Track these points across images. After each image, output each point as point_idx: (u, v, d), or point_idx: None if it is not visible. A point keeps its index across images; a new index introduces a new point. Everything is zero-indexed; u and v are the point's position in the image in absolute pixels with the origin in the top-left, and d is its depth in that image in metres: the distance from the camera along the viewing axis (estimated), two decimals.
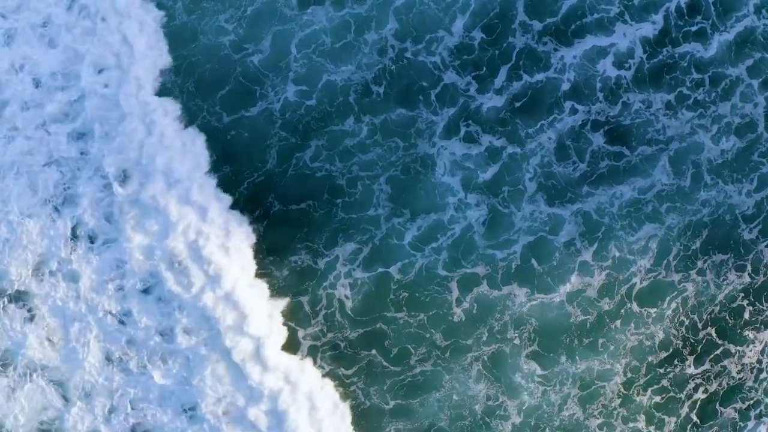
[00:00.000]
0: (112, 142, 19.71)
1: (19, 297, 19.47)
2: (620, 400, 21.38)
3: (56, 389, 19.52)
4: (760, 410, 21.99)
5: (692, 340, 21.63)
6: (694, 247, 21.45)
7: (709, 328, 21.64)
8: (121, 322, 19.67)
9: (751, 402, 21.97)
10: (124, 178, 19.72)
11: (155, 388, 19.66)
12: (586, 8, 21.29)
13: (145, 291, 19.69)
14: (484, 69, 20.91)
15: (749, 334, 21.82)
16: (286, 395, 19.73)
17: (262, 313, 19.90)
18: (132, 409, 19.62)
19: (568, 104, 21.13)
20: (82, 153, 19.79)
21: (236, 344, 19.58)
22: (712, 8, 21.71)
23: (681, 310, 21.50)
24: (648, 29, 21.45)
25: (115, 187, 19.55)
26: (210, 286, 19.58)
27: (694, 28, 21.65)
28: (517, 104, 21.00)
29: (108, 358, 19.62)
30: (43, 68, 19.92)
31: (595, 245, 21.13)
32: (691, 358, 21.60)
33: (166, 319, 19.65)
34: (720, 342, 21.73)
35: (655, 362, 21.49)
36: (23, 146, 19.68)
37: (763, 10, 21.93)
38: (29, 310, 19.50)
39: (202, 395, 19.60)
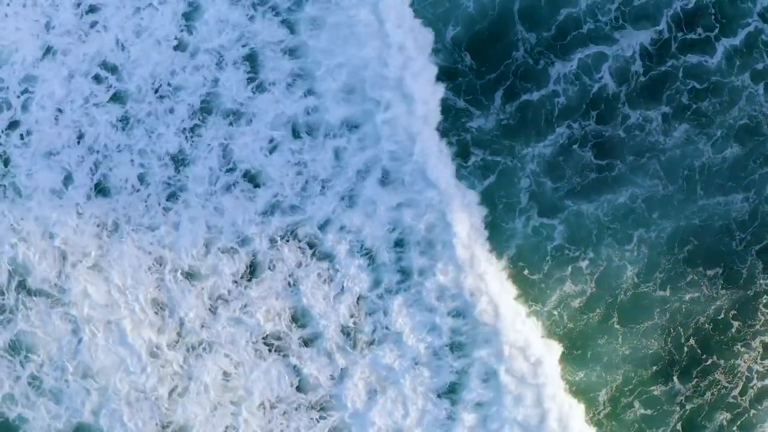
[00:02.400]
0: None
1: None
2: (607, 411, 21.35)
3: None
4: (747, 420, 22.00)
5: (680, 352, 21.64)
6: (684, 257, 21.40)
7: (692, 339, 21.66)
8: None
9: (739, 411, 22.01)
10: None
11: None
12: (581, 18, 20.98)
13: None
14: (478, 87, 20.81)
15: (738, 345, 21.84)
16: None
17: None
18: None
19: (563, 115, 21.06)
20: None
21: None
22: (713, 16, 21.41)
23: (670, 322, 21.46)
24: (646, 38, 21.13)
25: None
26: None
27: (694, 36, 21.34)
28: (510, 120, 20.91)
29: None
30: None
31: (588, 254, 21.11)
32: (677, 371, 21.69)
33: None
34: (706, 355, 21.76)
35: (644, 374, 21.47)
36: None
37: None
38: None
39: None
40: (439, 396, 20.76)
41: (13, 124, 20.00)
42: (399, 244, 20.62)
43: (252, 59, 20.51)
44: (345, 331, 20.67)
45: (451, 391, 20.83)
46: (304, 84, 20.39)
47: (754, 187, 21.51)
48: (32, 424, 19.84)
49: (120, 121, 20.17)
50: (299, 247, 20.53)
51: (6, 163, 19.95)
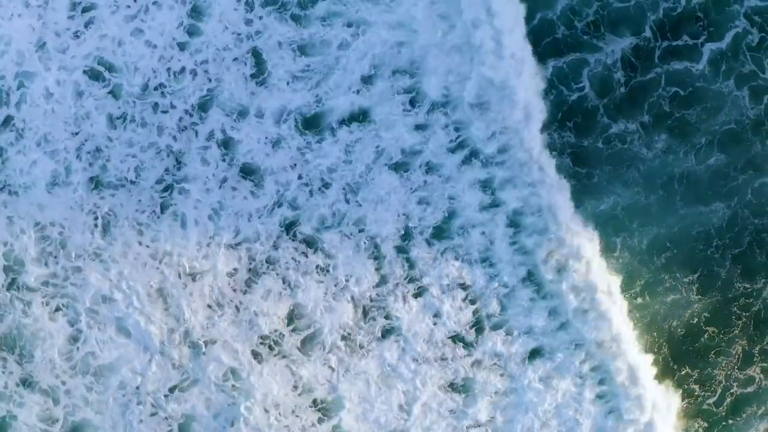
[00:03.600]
0: None
1: None
2: None
3: None
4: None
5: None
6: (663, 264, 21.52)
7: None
8: None
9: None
10: None
11: None
12: (556, 24, 20.81)
13: None
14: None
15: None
16: None
17: None
18: None
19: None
20: None
21: None
22: (698, 20, 21.06)
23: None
24: (627, 44, 20.89)
25: None
26: None
27: (679, 43, 21.05)
28: None
29: None
30: None
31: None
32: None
33: None
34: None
35: None
36: None
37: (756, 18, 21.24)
38: None
39: None
40: (452, 389, 21.35)
41: (8, 119, 20.10)
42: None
43: (258, 55, 20.52)
44: (346, 332, 21.01)
45: (461, 390, 21.39)
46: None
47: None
48: (26, 422, 20.30)
49: (118, 118, 20.28)
50: (296, 248, 20.80)
51: (1, 157, 20.16)
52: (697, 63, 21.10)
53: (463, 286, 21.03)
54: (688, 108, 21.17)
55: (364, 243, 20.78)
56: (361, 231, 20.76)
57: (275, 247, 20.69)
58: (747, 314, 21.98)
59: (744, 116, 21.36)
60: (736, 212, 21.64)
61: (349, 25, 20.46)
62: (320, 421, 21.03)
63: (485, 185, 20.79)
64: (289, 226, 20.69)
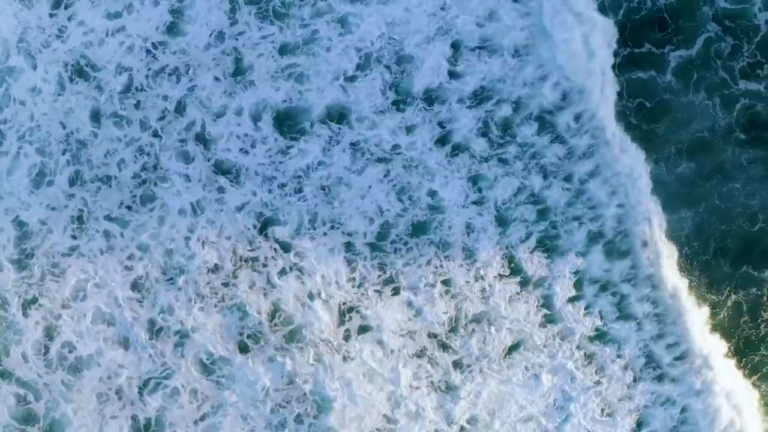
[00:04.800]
0: None
1: None
2: None
3: None
4: None
5: None
6: None
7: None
8: None
9: None
10: None
11: None
12: None
13: None
14: None
15: None
16: None
17: None
18: None
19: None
20: None
21: None
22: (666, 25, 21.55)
23: None
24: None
25: None
26: None
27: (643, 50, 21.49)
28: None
29: None
30: None
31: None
32: None
33: None
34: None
35: None
36: None
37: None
38: None
39: None
40: (433, 388, 21.29)
41: None
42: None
43: (239, 54, 20.80)
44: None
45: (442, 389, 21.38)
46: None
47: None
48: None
49: (100, 114, 20.54)
50: (272, 246, 20.98)
51: None
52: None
53: (445, 282, 21.20)
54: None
55: (342, 239, 20.98)
56: (337, 228, 20.96)
57: (252, 244, 20.84)
58: None
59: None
60: None
61: (336, 22, 20.84)
62: (300, 417, 21.09)
63: (474, 181, 21.10)
64: (266, 224, 20.87)
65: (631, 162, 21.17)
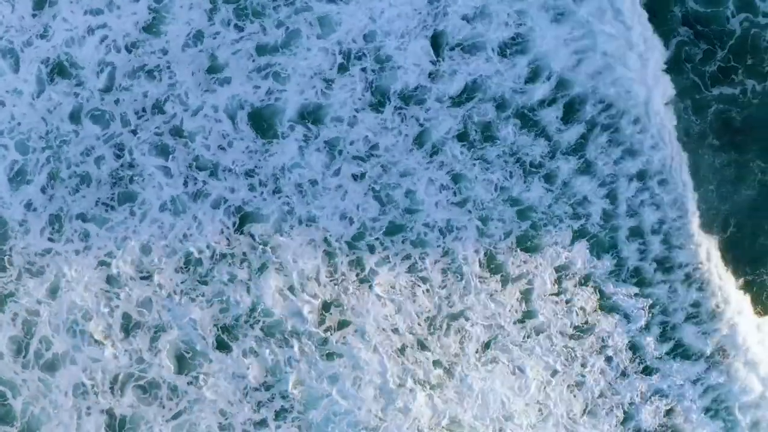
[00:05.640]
0: None
1: None
2: None
3: None
4: None
5: None
6: None
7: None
8: None
9: None
10: None
11: None
12: None
13: None
14: None
15: None
16: None
17: None
18: None
19: None
20: None
21: None
22: None
23: None
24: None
25: None
26: None
27: None
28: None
29: None
30: None
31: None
32: None
33: None
34: None
35: None
36: None
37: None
38: None
39: None
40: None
41: None
42: None
43: (216, 60, 21.03)
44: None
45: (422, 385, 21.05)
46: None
47: None
48: None
49: (80, 112, 20.65)
50: (250, 243, 21.00)
51: None
52: None
53: (423, 280, 21.16)
54: None
55: (320, 236, 21.02)
56: (315, 226, 21.02)
57: (230, 240, 20.83)
58: None
59: None
60: None
61: (316, 20, 21.07)
62: (282, 414, 20.91)
63: (455, 180, 21.28)
64: (244, 220, 20.94)
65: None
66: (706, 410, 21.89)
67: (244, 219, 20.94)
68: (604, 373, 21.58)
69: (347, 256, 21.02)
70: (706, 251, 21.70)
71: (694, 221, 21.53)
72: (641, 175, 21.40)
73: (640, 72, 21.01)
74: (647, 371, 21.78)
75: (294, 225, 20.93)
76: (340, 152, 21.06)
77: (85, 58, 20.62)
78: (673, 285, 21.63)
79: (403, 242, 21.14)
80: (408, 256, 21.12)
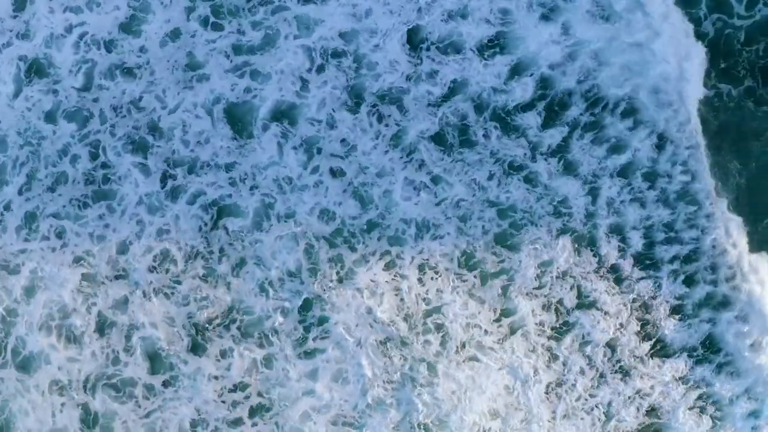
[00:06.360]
0: None
1: None
2: None
3: None
4: None
5: None
6: None
7: None
8: None
9: None
10: None
11: None
12: None
13: None
14: None
15: None
16: None
17: None
18: None
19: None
20: None
21: None
22: None
23: None
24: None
25: None
26: None
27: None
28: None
29: None
30: None
31: None
32: None
33: None
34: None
35: None
36: None
37: None
38: None
39: None
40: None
41: None
42: None
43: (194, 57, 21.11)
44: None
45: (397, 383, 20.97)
46: None
47: None
48: None
49: (56, 112, 20.77)
50: (228, 241, 21.01)
51: None
52: None
53: (402, 277, 21.13)
54: None
55: (298, 234, 20.98)
56: (294, 223, 21.00)
57: (206, 237, 20.82)
58: None
59: None
60: None
61: (293, 19, 21.19)
62: (258, 411, 20.84)
63: (434, 180, 21.25)
64: (221, 216, 20.93)
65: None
66: (691, 408, 21.61)
67: (221, 215, 20.93)
68: (584, 372, 21.36)
69: (327, 252, 20.98)
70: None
71: None
72: (624, 172, 21.36)
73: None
74: (625, 371, 21.56)
75: (273, 222, 20.91)
76: (319, 150, 21.06)
77: (64, 57, 20.75)
78: (658, 280, 21.46)
79: (379, 239, 21.09)
80: (387, 253, 21.06)
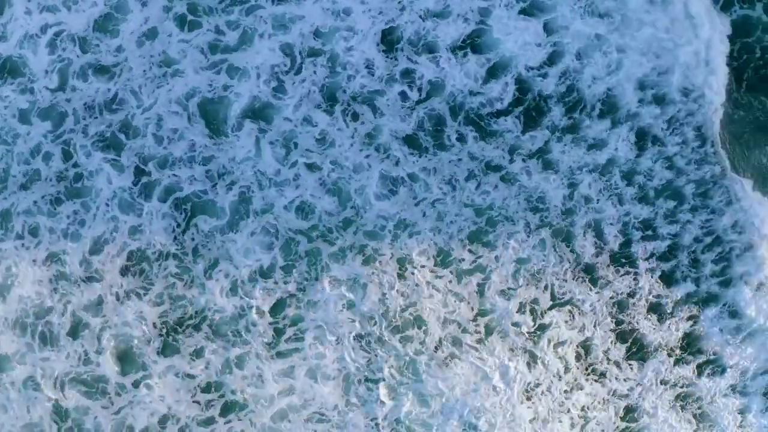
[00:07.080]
0: None
1: None
2: None
3: None
4: None
5: None
6: None
7: None
8: None
9: None
10: None
11: None
12: None
13: None
14: None
15: None
16: None
17: None
18: None
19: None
20: None
21: None
22: None
23: None
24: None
25: None
26: None
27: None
28: None
29: None
30: None
31: None
32: None
33: None
34: None
35: None
36: None
37: None
38: None
39: None
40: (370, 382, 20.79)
41: None
42: None
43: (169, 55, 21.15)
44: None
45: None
46: None
47: None
48: None
49: (28, 111, 20.80)
50: (201, 241, 20.99)
51: None
52: None
53: (380, 273, 21.09)
54: None
55: (272, 231, 20.96)
56: (268, 220, 20.98)
57: (179, 236, 20.86)
58: None
59: None
60: None
61: (270, 17, 21.22)
62: (231, 409, 20.77)
63: (412, 178, 21.24)
64: (194, 215, 20.94)
65: None
66: (671, 407, 21.38)
67: (195, 212, 20.94)
68: (560, 374, 21.20)
69: (301, 251, 20.96)
70: None
71: None
72: (603, 169, 21.28)
73: None
74: (601, 372, 21.37)
75: (250, 218, 20.91)
76: (296, 145, 21.05)
77: (39, 57, 20.87)
78: (637, 276, 21.29)
79: (355, 234, 21.06)
80: (363, 249, 20.99)
